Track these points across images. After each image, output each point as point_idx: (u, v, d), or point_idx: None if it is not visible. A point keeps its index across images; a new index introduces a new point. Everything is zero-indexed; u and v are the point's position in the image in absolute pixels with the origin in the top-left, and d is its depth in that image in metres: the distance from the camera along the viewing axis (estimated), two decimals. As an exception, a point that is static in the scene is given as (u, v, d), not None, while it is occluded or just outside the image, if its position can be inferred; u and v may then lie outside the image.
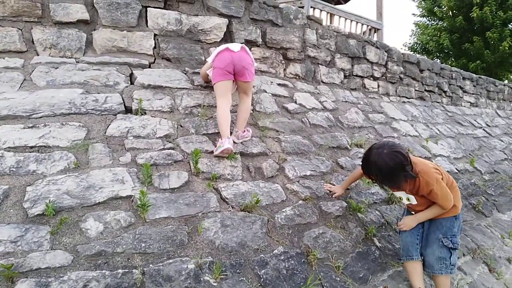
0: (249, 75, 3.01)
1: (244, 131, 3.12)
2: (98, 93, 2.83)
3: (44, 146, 2.32)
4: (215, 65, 2.96)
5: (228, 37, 3.84)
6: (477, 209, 4.26)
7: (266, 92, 3.88)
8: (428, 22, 17.47)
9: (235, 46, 2.99)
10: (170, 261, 2.03)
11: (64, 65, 2.93)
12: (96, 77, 2.93)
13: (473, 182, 4.81)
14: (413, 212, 2.64)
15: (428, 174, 2.34)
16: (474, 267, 3.33)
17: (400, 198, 2.64)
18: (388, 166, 2.21)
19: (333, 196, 3.04)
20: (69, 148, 2.38)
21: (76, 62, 3.01)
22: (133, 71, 3.19)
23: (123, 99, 2.88)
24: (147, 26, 3.39)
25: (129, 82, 3.10)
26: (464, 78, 7.79)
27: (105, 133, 2.59)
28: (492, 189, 4.95)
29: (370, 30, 8.74)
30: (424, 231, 2.60)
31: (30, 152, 2.28)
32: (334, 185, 3.15)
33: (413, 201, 2.52)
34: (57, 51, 2.99)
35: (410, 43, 18.00)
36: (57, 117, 2.52)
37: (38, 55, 2.97)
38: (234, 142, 2.96)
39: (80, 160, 2.34)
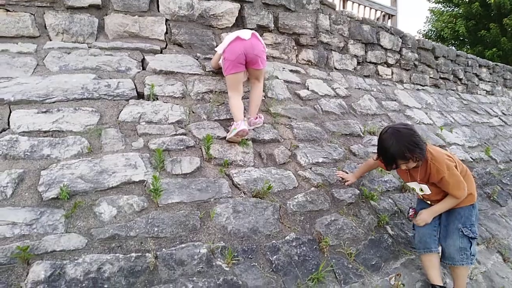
0: (262, 62, 2.97)
1: (256, 117, 3.09)
2: (110, 78, 2.82)
3: (57, 130, 2.33)
4: (226, 57, 2.90)
5: (240, 22, 3.79)
6: (492, 198, 4.19)
7: (278, 78, 3.83)
8: (443, 9, 17.08)
9: (246, 34, 2.91)
10: (183, 245, 2.04)
11: (76, 50, 2.93)
12: (108, 63, 2.93)
13: (488, 171, 4.72)
14: (429, 202, 2.58)
15: (439, 161, 2.29)
16: (488, 256, 3.29)
17: (413, 189, 2.59)
18: (400, 138, 2.19)
19: (345, 184, 3.01)
20: (82, 133, 2.39)
21: (88, 47, 3.01)
22: (145, 57, 3.17)
23: (135, 85, 2.87)
24: (158, 11, 3.36)
25: (141, 67, 3.08)
26: (480, 66, 7.60)
27: (117, 118, 2.59)
28: (508, 178, 4.86)
29: (384, 16, 8.55)
30: (441, 222, 2.54)
31: (44, 136, 2.29)
32: (347, 172, 3.12)
33: (427, 191, 2.46)
34: (70, 36, 2.99)
35: (424, 30, 17.65)
36: (70, 102, 2.53)
37: (50, 40, 2.97)
38: (245, 131, 2.86)
39: (93, 145, 2.35)
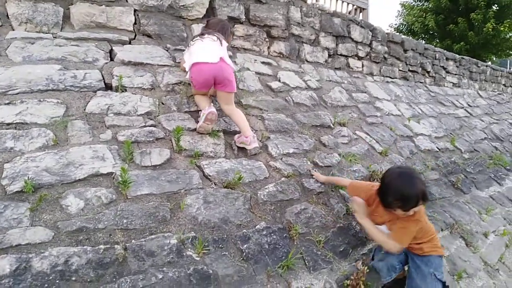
0: (232, 86, 2.82)
1: (254, 136, 2.91)
2: (77, 69, 2.76)
3: (21, 123, 2.27)
4: (193, 77, 2.78)
5: (211, 13, 3.77)
6: (456, 186, 4.37)
7: (249, 70, 3.85)
8: (414, 3, 17.50)
9: (211, 56, 2.71)
10: (153, 236, 2.04)
11: (40, 40, 2.84)
12: (74, 53, 2.86)
13: (453, 160, 4.92)
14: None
15: (411, 223, 2.24)
16: (452, 241, 3.44)
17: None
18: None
19: (316, 179, 3.02)
20: (47, 125, 2.33)
21: (53, 37, 2.92)
22: (113, 47, 3.11)
23: (102, 76, 2.82)
24: (126, 1, 3.30)
25: (109, 58, 3.02)
26: (447, 59, 7.86)
27: (84, 110, 2.54)
28: (472, 167, 5.07)
29: (356, 9, 8.69)
30: (411, 267, 2.42)
31: (7, 129, 2.22)
32: (317, 163, 3.18)
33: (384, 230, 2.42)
34: (33, 26, 2.90)
35: (396, 24, 18.06)
36: (35, 94, 2.46)
37: (13, 30, 2.86)
38: (248, 148, 2.88)
39: (59, 137, 2.30)
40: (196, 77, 2.77)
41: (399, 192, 2.12)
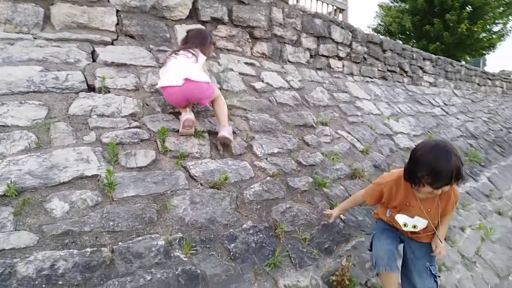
0: (206, 99, 2.86)
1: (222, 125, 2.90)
2: (58, 70, 2.72)
3: (2, 125, 2.22)
4: (166, 97, 2.83)
5: (194, 14, 3.77)
6: (434, 182, 4.49)
7: (233, 71, 3.86)
8: (391, 4, 17.86)
9: (177, 78, 2.68)
10: (140, 238, 2.03)
11: (20, 41, 2.78)
12: (55, 54, 2.81)
13: (431, 157, 5.05)
14: (407, 233, 2.30)
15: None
16: (431, 236, 3.54)
17: (404, 225, 2.22)
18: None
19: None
20: (29, 127, 2.29)
21: (34, 38, 2.87)
22: (95, 48, 3.08)
23: (85, 77, 2.79)
24: (108, 2, 3.26)
25: (91, 59, 2.99)
26: (424, 59, 8.07)
27: (67, 111, 2.51)
28: (448, 164, 5.22)
29: (335, 10, 8.81)
30: (407, 255, 2.35)
31: (-13, 132, 2.18)
32: (301, 162, 3.23)
33: (421, 225, 2.18)
34: (13, 27, 2.83)
35: (374, 25, 18.41)
36: (15, 96, 2.41)
37: (-9, 30, 2.80)
38: (228, 137, 2.84)
39: (42, 140, 2.27)
40: (169, 99, 2.84)
41: (431, 165, 1.83)
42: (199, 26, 3.62)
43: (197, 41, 3.00)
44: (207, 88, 2.81)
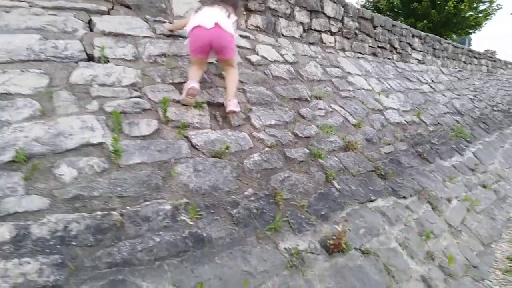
0: (229, 52, 2.97)
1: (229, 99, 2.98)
2: (57, 39, 2.69)
3: (5, 93, 2.22)
4: (192, 40, 2.88)
5: (189, -15, 3.73)
6: (422, 156, 4.66)
7: (229, 43, 3.86)
8: (380, -20, 17.71)
9: (208, 21, 2.81)
10: (147, 203, 2.10)
11: (16, 9, 2.73)
12: (53, 23, 2.77)
13: (419, 132, 5.21)
14: None
15: None
16: (420, 206, 3.72)
17: None
18: None
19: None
20: (32, 95, 2.29)
21: (30, 6, 2.81)
22: (92, 18, 3.03)
23: (84, 46, 2.77)
24: (103, -30, 3.20)
25: (88, 29, 2.96)
26: (413, 36, 8.14)
27: (68, 80, 2.50)
28: (436, 139, 5.40)
29: (326, -15, 8.74)
30: None
31: (-10, 99, 2.18)
32: (297, 134, 3.31)
33: None
34: (7, -7, 2.77)
35: (362, 1, 18.25)
36: (16, 64, 2.39)
37: (-16, -3, 2.74)
38: (234, 111, 2.94)
39: (46, 108, 2.27)
40: (193, 41, 2.88)
41: None
42: None
43: (230, 2, 3.10)
44: (231, 40, 2.94)
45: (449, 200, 4.13)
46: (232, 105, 2.92)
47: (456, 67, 10.60)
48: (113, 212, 1.96)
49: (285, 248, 2.35)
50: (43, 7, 2.85)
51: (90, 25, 3.00)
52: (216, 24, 2.81)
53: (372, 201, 3.25)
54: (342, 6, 5.88)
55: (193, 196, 2.29)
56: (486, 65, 13.06)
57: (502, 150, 7.09)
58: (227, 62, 3.06)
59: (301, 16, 5.11)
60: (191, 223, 2.14)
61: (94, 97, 2.51)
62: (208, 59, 3.06)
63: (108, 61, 2.79)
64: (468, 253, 3.59)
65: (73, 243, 1.78)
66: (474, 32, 18.51)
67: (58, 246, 1.75)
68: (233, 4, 3.13)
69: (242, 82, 3.49)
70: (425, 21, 15.38)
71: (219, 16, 2.88)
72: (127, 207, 2.04)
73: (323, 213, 2.76)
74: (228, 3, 3.06)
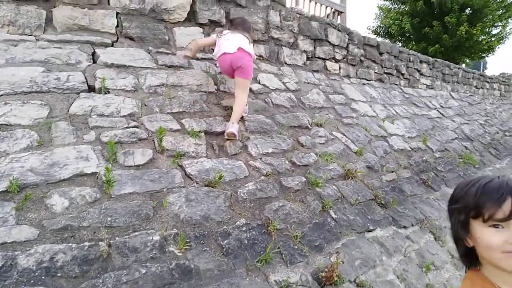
0: (245, 73, 3.27)
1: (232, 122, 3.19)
2: (60, 71, 2.81)
3: (5, 124, 2.31)
4: (219, 65, 3.48)
5: (192, 17, 3.86)
6: (427, 184, 4.59)
7: (230, 72, 3.95)
8: (391, 6, 17.88)
9: (231, 47, 3.23)
10: (136, 233, 2.12)
11: (23, 42, 2.87)
12: (57, 55, 2.90)
13: (424, 159, 5.15)
14: None
15: None
16: (421, 236, 3.63)
17: None
18: None
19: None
20: (31, 126, 2.38)
21: (36, 40, 2.96)
22: (96, 50, 3.17)
23: (85, 78, 2.88)
24: (109, 4, 3.35)
25: (92, 60, 3.08)
26: (421, 61, 8.15)
27: (68, 111, 2.59)
28: (442, 165, 5.32)
29: (334, 12, 8.88)
30: None
31: (-9, 130, 2.27)
32: (295, 162, 3.32)
33: None
34: (16, 28, 2.92)
35: (373, 27, 18.39)
36: (18, 95, 2.50)
37: (-6, 31, 2.89)
38: (234, 133, 3.11)
39: (43, 138, 2.35)
40: (220, 66, 3.43)
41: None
42: (242, 17, 3.94)
43: (246, 27, 3.51)
44: (249, 59, 3.33)
45: (453, 230, 4.02)
46: (233, 127, 3.09)
47: (467, 91, 10.52)
48: (101, 243, 1.99)
49: (275, 281, 2.32)
50: (49, 41, 3.00)
51: (93, 57, 3.13)
52: (239, 48, 3.24)
53: (370, 231, 3.20)
54: (347, 34, 5.97)
55: (184, 226, 2.30)
56: (498, 89, 12.93)
57: (514, 177, 6.90)
58: (242, 83, 3.31)
59: (305, 44, 5.20)
60: (179, 254, 2.14)
61: (92, 127, 2.58)
62: None
63: (109, 92, 2.89)
64: (472, 286, 3.47)
65: (58, 274, 1.80)
66: (487, 56, 18.41)
67: (43, 277, 1.77)
68: (248, 30, 3.51)
69: (241, 110, 3.54)
70: (437, 45, 15.36)
71: (242, 41, 3.30)
72: (116, 237, 2.06)
73: (317, 243, 2.73)
74: (245, 29, 3.45)
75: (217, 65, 3.56)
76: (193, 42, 3.69)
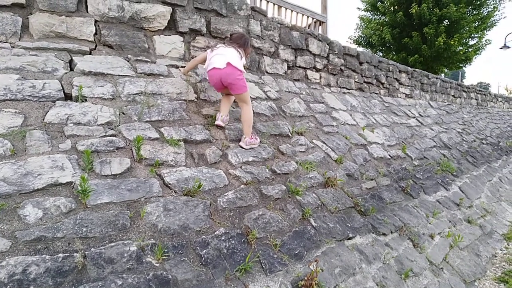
0: (238, 88, 3.29)
1: (252, 137, 3.46)
2: (36, 79, 2.76)
3: (-23, 133, 2.26)
4: (209, 80, 3.47)
5: (172, 25, 3.86)
6: (405, 191, 4.67)
7: (211, 81, 3.95)
8: (371, 17, 18.25)
9: (220, 62, 3.24)
10: (112, 244, 2.08)
11: (-3, 49, 2.82)
12: (33, 63, 2.85)
13: (403, 167, 5.24)
14: None
15: None
16: (400, 243, 3.69)
17: None
18: None
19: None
20: (4, 135, 2.33)
21: (12, 47, 2.90)
22: (73, 58, 3.13)
23: (62, 86, 2.83)
24: (87, 12, 3.32)
25: (69, 68, 3.04)
26: (400, 71, 8.33)
27: (43, 120, 2.55)
28: (421, 173, 5.42)
29: (315, 22, 9.02)
30: None
31: (-38, 139, 2.21)
32: (275, 170, 3.33)
33: None
34: (-10, 35, 2.87)
35: (355, 37, 18.71)
36: (-9, 104, 2.45)
37: (-32, 38, 2.82)
38: (242, 147, 3.38)
39: (17, 147, 2.30)
40: (210, 80, 3.43)
41: None
42: (240, 32, 4.17)
43: (241, 42, 3.51)
44: (239, 75, 3.28)
45: (431, 237, 4.09)
46: (244, 142, 3.39)
47: (445, 100, 10.78)
48: (76, 254, 1.95)
49: (255, 290, 2.31)
50: (25, 48, 2.94)
51: (71, 65, 3.09)
52: (228, 63, 3.23)
53: (350, 238, 3.23)
54: (328, 44, 6.06)
55: (161, 236, 2.28)
56: (475, 98, 13.29)
57: (490, 184, 7.09)
58: (239, 98, 3.39)
59: (286, 54, 5.26)
60: (157, 264, 2.11)
61: (68, 136, 2.54)
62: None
63: (86, 100, 2.85)
64: (450, 292, 3.53)
65: (31, 287, 1.76)
66: (465, 66, 18.92)
67: (14, 291, 1.72)
68: (244, 45, 3.51)
69: (221, 119, 3.54)
70: (416, 55, 15.73)
71: (232, 56, 3.28)
72: (91, 248, 2.02)
73: (297, 252, 2.73)
74: (240, 45, 3.45)
75: (207, 78, 3.59)
76: (188, 63, 3.77)
